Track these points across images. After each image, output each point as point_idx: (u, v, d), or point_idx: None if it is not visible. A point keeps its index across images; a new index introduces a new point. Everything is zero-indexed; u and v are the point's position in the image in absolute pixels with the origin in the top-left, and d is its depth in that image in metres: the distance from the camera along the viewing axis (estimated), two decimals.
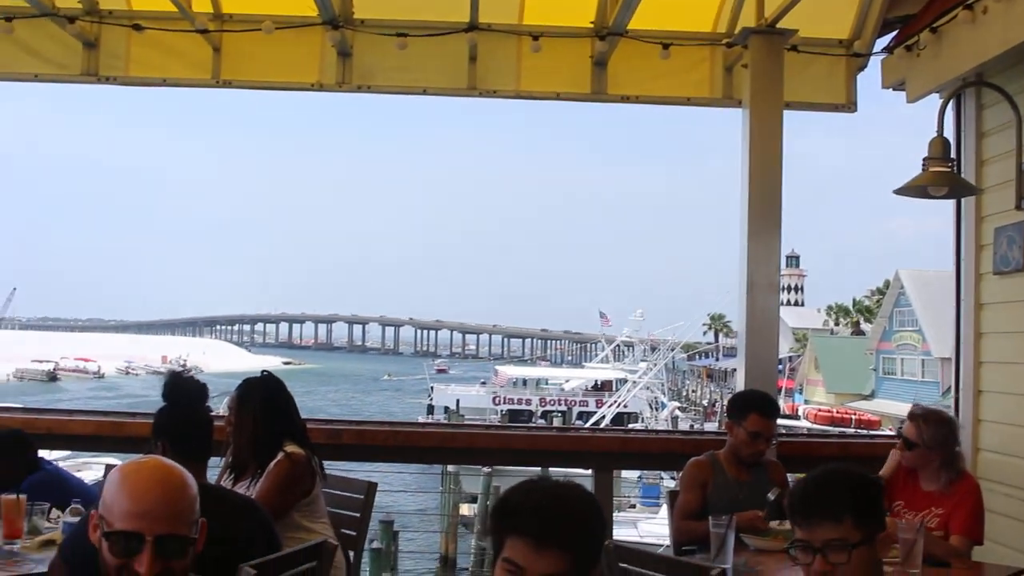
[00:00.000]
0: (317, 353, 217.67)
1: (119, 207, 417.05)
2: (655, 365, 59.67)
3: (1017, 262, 5.92)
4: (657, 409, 56.63)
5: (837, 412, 54.51)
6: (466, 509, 30.17)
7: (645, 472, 29.47)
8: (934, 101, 6.31)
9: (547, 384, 70.66)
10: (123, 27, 6.75)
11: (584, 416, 56.94)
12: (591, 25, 6.87)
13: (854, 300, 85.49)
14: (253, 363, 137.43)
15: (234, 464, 4.61)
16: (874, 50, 7.01)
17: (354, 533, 5.31)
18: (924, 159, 5.69)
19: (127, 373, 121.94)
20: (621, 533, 21.49)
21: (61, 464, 5.44)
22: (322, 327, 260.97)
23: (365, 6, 6.80)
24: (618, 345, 75.19)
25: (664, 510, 11.97)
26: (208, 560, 2.72)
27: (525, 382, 69.91)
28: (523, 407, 63.54)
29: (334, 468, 5.52)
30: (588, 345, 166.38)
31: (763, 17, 6.33)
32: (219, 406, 4.71)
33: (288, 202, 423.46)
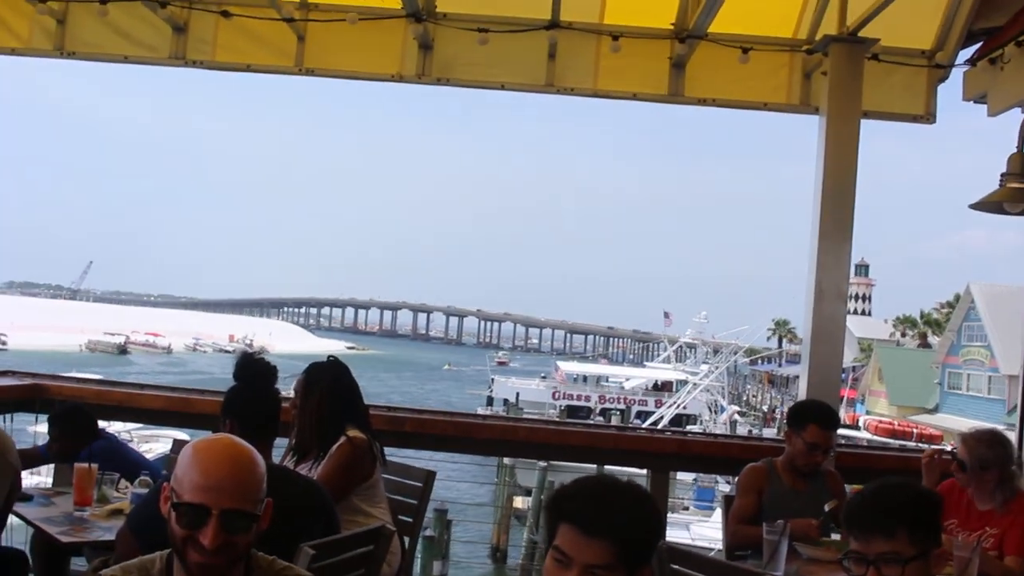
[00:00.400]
0: (381, 339, 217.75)
1: (197, 186, 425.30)
2: (716, 368, 59.10)
3: None
4: (716, 412, 56.43)
5: (899, 425, 54.06)
6: (520, 502, 30.31)
7: (700, 475, 29.31)
8: (1016, 116, 6.22)
9: (607, 382, 70.40)
10: (212, 13, 6.84)
11: (643, 416, 56.65)
12: (671, 27, 6.83)
13: (922, 312, 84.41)
14: (318, 346, 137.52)
15: (297, 446, 4.59)
16: (957, 62, 6.90)
17: (411, 520, 5.30)
18: (1002, 175, 5.58)
19: (195, 349, 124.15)
20: (673, 535, 21.40)
21: (130, 435, 5.62)
22: (387, 314, 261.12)
23: (448, 0, 6.86)
24: (680, 346, 74.48)
25: (717, 514, 11.92)
26: (269, 537, 2.72)
27: (585, 379, 69.66)
28: (582, 404, 63.15)
29: (394, 455, 5.45)
30: (650, 345, 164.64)
31: (845, 25, 6.26)
32: (286, 388, 4.60)
33: (358, 188, 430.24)
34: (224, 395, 4.00)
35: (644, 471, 6.53)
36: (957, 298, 63.90)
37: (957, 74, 6.91)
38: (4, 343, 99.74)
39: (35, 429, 8.10)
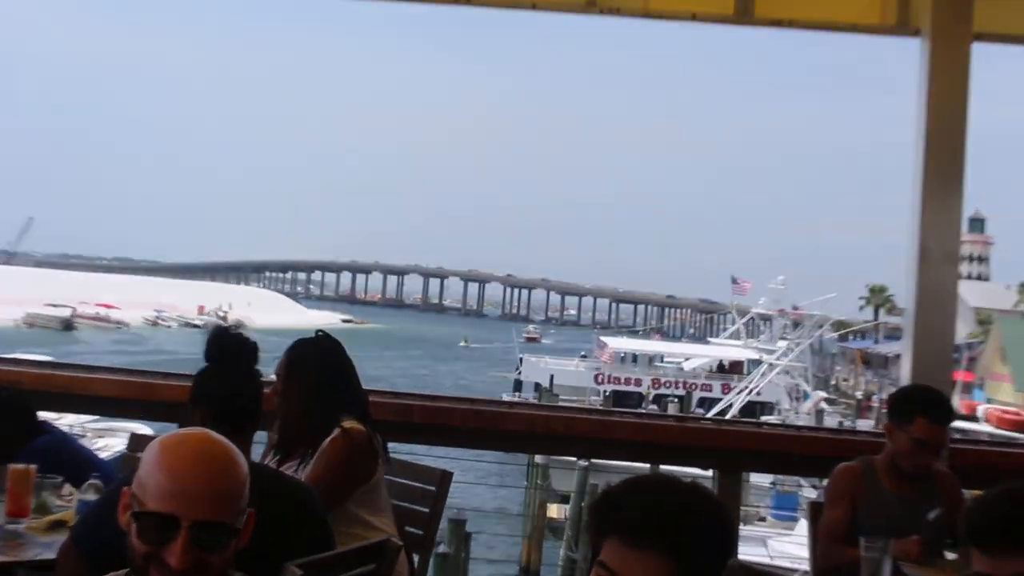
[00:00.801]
0: (384, 311, 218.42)
1: (160, 126, 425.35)
2: (798, 345, 58.52)
3: None
4: (798, 399, 56.25)
5: None
6: (555, 511, 30.01)
7: (780, 477, 29.15)
8: None
9: (662, 362, 70.32)
10: None
11: (706, 403, 56.30)
12: None
13: None
14: (307, 319, 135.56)
15: (281, 442, 4.59)
16: None
17: (421, 532, 5.29)
18: None
19: (155, 324, 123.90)
20: (747, 552, 21.28)
21: (82, 428, 5.57)
22: (391, 280, 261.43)
23: None
24: (752, 318, 73.73)
25: (802, 525, 11.83)
26: (249, 554, 2.69)
27: (635, 358, 69.45)
28: (632, 388, 62.99)
29: (400, 452, 5.50)
30: (715, 317, 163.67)
31: None
32: (268, 370, 4.48)
33: (358, 128, 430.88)
34: (193, 379, 3.97)
35: (709, 472, 6.50)
36: None
37: None
38: None
39: None
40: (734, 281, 76.86)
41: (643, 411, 45.12)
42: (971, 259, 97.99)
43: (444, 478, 5.39)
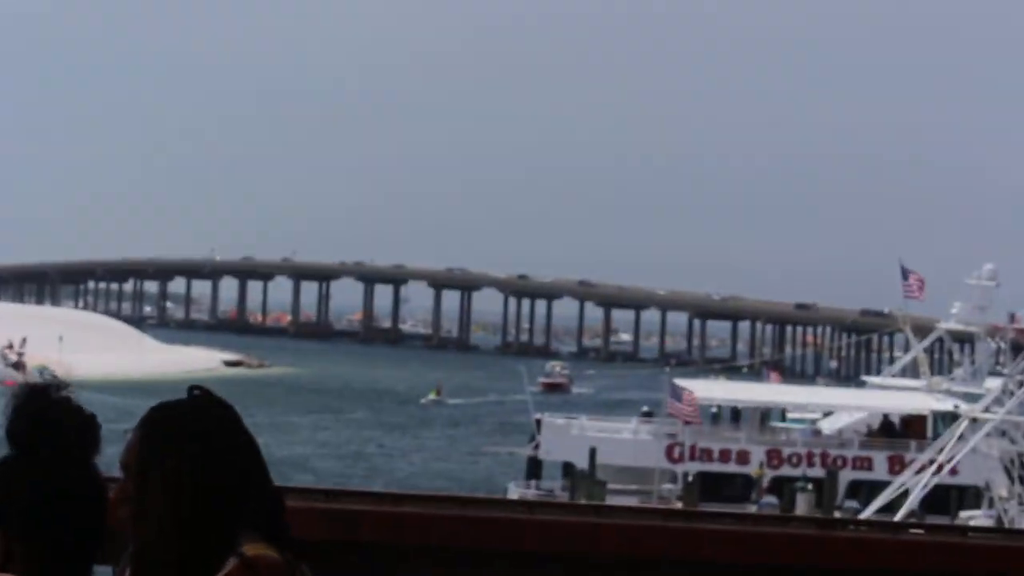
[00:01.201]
0: (298, 343, 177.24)
1: None
2: (1021, 385, 44.75)
3: None
4: None
5: None
6: None
7: None
8: None
9: (785, 421, 59.36)
10: None
11: (862, 491, 48.57)
12: None
13: None
14: (163, 362, 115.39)
15: None
16: None
17: None
18: None
19: None
20: None
21: None
22: (309, 289, 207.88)
23: None
24: (940, 339, 62.33)
25: None
26: None
27: (737, 413, 58.73)
28: (733, 468, 52.65)
29: None
30: (875, 339, 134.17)
31: None
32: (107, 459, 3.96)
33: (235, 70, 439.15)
34: None
35: None
36: None
37: None
38: None
39: None
40: (905, 276, 59.35)
41: (752, 512, 35.88)
42: None
43: None
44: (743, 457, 52.90)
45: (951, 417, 48.22)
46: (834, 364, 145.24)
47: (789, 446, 54.27)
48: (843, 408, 59.08)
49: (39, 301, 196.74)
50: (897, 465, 48.79)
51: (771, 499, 48.39)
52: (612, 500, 43.65)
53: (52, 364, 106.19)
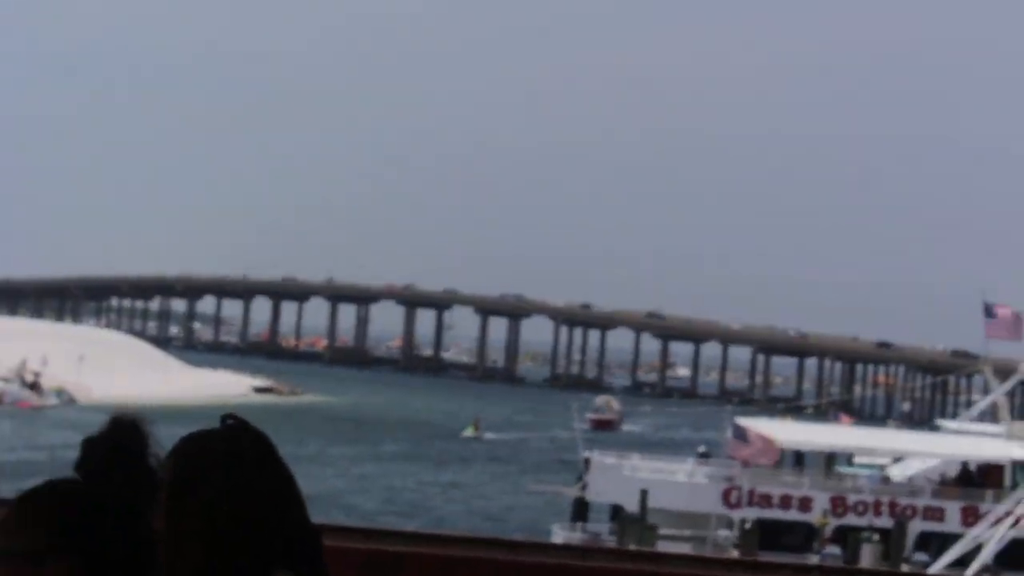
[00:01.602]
0: (333, 370, 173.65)
1: None
2: None
3: None
4: None
5: None
6: None
7: None
8: None
9: (851, 465, 58.12)
10: None
11: (933, 544, 47.59)
12: None
13: None
14: (191, 386, 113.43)
15: None
16: None
17: None
18: None
19: None
20: None
21: None
22: (346, 312, 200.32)
23: None
24: (1022, 383, 60.03)
25: None
26: None
27: (801, 457, 56.59)
28: (794, 516, 51.39)
29: None
30: (950, 381, 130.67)
31: None
32: None
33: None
34: (39, 499, 3.65)
35: None
36: None
37: None
38: None
39: None
40: (989, 313, 56.86)
41: (817, 564, 33.60)
42: None
43: None
44: (805, 504, 51.52)
45: None
46: (907, 406, 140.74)
47: (855, 493, 52.69)
48: (915, 454, 57.67)
49: (59, 318, 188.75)
50: (971, 516, 47.56)
51: (834, 550, 47.22)
52: (663, 546, 42.68)
53: (70, 386, 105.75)
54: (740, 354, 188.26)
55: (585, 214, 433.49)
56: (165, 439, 3.94)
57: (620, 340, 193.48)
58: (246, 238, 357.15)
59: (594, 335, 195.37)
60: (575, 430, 63.40)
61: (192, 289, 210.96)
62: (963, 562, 38.48)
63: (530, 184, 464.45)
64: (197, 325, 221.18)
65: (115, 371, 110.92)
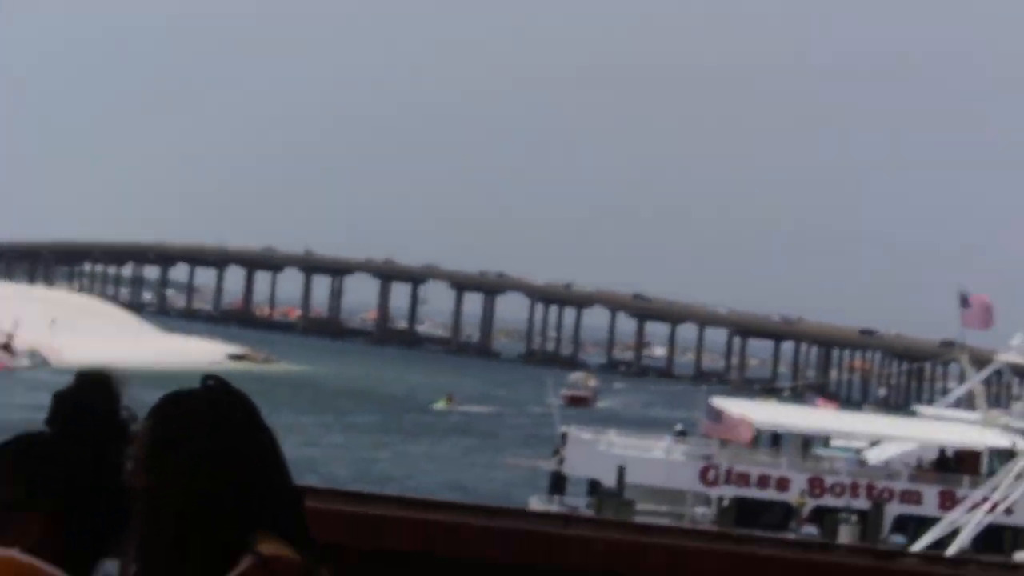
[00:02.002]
0: (308, 340, 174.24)
1: None
2: None
3: None
4: None
5: None
6: None
7: None
8: None
9: (828, 447, 58.10)
10: None
11: (910, 527, 47.99)
12: None
13: None
14: (163, 351, 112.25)
15: None
16: None
17: None
18: None
19: None
20: None
21: None
22: (321, 283, 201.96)
23: None
24: (1000, 371, 60.17)
25: None
26: None
27: (777, 438, 56.74)
28: (771, 495, 51.60)
29: None
30: (926, 368, 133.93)
31: None
32: None
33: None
34: (10, 454, 3.71)
35: None
36: None
37: None
38: None
39: None
40: (964, 302, 57.65)
41: (794, 538, 35.16)
42: None
43: None
44: (783, 484, 51.73)
45: (1008, 454, 47.80)
46: (883, 392, 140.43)
47: (833, 475, 52.87)
48: (892, 438, 57.75)
49: (31, 282, 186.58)
50: (948, 501, 47.87)
51: (811, 529, 47.59)
52: (641, 521, 43.00)
53: (44, 348, 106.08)
54: (716, 336, 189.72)
55: (567, 188, 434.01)
56: (141, 403, 3.90)
57: (596, 319, 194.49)
58: (222, 207, 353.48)
59: (570, 313, 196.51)
60: (550, 405, 63.81)
61: (165, 257, 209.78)
62: (940, 545, 38.63)
63: (515, 156, 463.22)
64: (170, 292, 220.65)
65: (88, 334, 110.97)
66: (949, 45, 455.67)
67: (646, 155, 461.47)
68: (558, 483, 52.29)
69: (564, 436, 53.99)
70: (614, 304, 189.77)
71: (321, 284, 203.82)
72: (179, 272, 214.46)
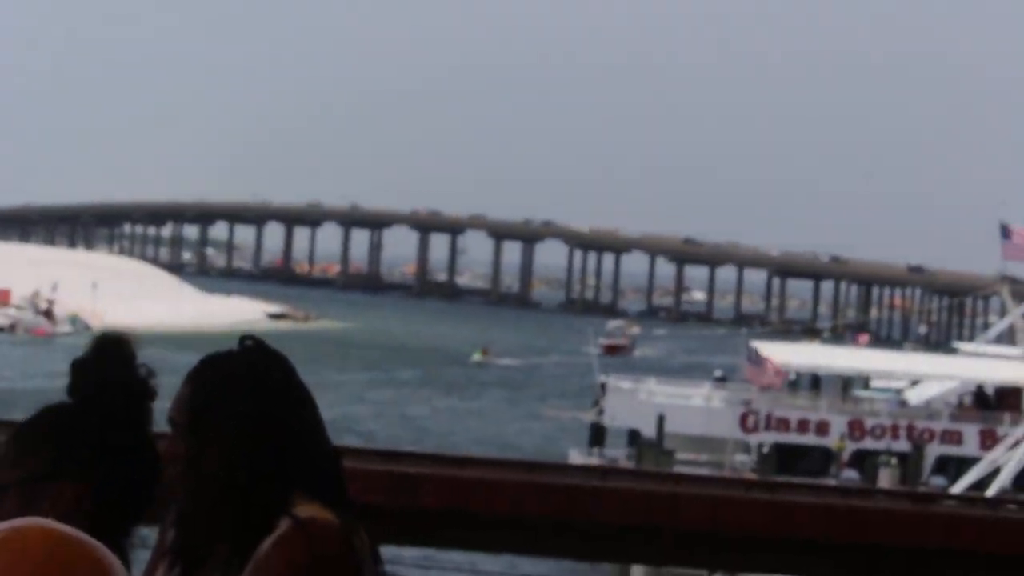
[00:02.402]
0: (348, 295, 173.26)
1: None
2: None
3: None
4: None
5: None
6: None
7: None
8: None
9: (868, 389, 56.91)
10: None
11: (951, 468, 47.01)
12: None
13: None
14: (205, 313, 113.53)
15: (183, 542, 3.78)
16: None
17: None
18: None
19: None
20: None
21: None
22: (360, 237, 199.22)
23: None
24: None
25: None
26: None
27: (818, 381, 56.06)
28: (811, 440, 50.43)
29: (405, 559, 4.40)
30: (967, 302, 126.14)
31: None
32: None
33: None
34: (38, 427, 3.59)
35: None
36: None
37: None
38: None
39: None
40: (1005, 234, 55.77)
41: (837, 484, 35.72)
42: None
43: None
44: (823, 428, 50.65)
45: None
46: (923, 329, 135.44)
47: (872, 417, 51.72)
48: (932, 377, 55.75)
49: (71, 245, 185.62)
50: (989, 440, 46.72)
51: (852, 473, 46.50)
52: (681, 471, 42.91)
53: (85, 313, 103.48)
54: (756, 277, 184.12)
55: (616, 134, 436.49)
56: (181, 365, 3.82)
57: (636, 265, 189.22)
58: (261, 163, 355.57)
59: (608, 259, 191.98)
60: (589, 355, 62.28)
61: (205, 215, 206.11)
62: (981, 485, 37.47)
63: (561, 106, 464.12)
64: (210, 251, 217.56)
65: (129, 298, 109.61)
66: None
67: (685, 103, 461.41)
68: (598, 434, 51.39)
69: (603, 386, 53.14)
70: (658, 249, 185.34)
71: (360, 239, 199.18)
72: (218, 231, 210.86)
